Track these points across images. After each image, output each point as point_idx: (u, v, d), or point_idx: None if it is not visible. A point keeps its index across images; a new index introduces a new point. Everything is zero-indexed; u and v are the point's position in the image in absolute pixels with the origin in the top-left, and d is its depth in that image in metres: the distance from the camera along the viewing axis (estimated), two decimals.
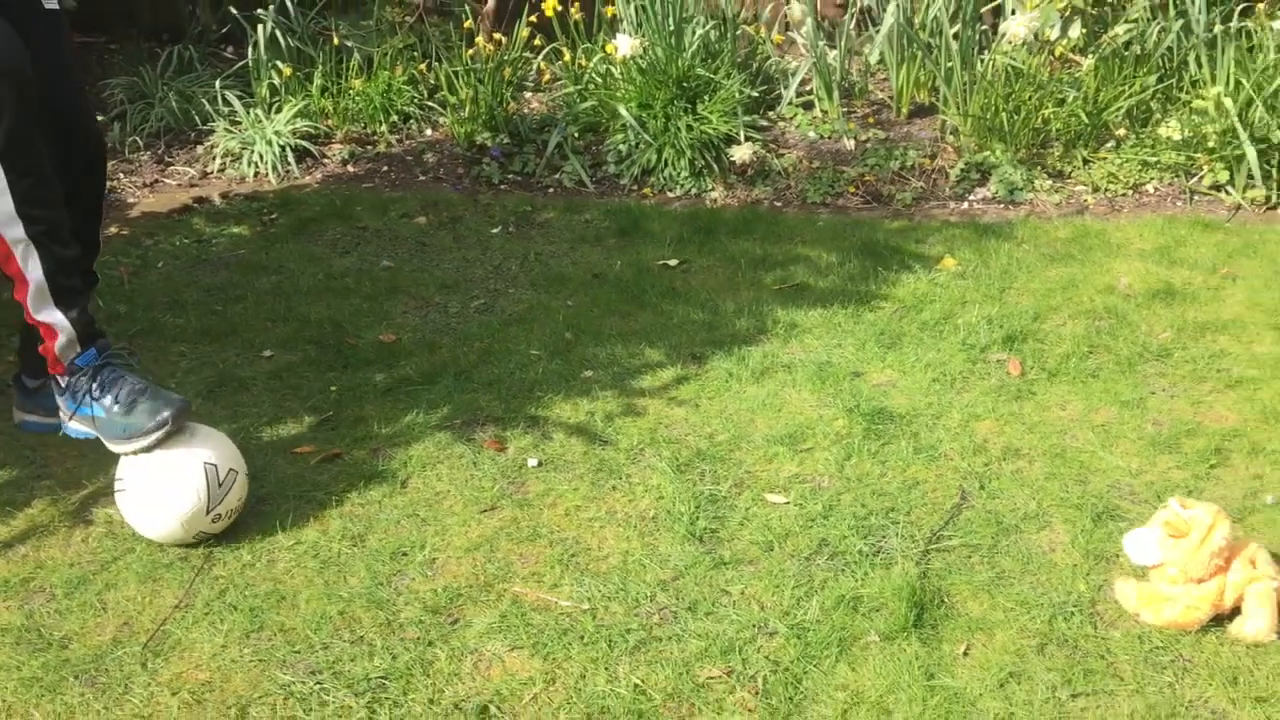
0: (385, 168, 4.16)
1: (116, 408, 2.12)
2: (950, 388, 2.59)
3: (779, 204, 3.75)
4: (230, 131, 4.21)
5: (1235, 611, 1.85)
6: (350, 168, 4.17)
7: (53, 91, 2.12)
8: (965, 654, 1.82)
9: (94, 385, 2.13)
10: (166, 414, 2.09)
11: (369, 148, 4.27)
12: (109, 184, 4.04)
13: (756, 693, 1.75)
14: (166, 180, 4.10)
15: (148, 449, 2.09)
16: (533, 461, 2.35)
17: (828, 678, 1.77)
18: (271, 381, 2.68)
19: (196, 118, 4.34)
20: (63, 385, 2.18)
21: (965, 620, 1.89)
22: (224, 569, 2.05)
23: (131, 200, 3.92)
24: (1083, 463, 2.30)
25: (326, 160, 4.21)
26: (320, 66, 4.35)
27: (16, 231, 2.01)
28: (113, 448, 2.15)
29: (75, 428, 2.22)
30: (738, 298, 3.06)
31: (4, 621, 1.92)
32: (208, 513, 2.06)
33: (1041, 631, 1.86)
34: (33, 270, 2.04)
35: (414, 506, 2.21)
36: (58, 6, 2.34)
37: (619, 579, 2.00)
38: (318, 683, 1.79)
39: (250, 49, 4.41)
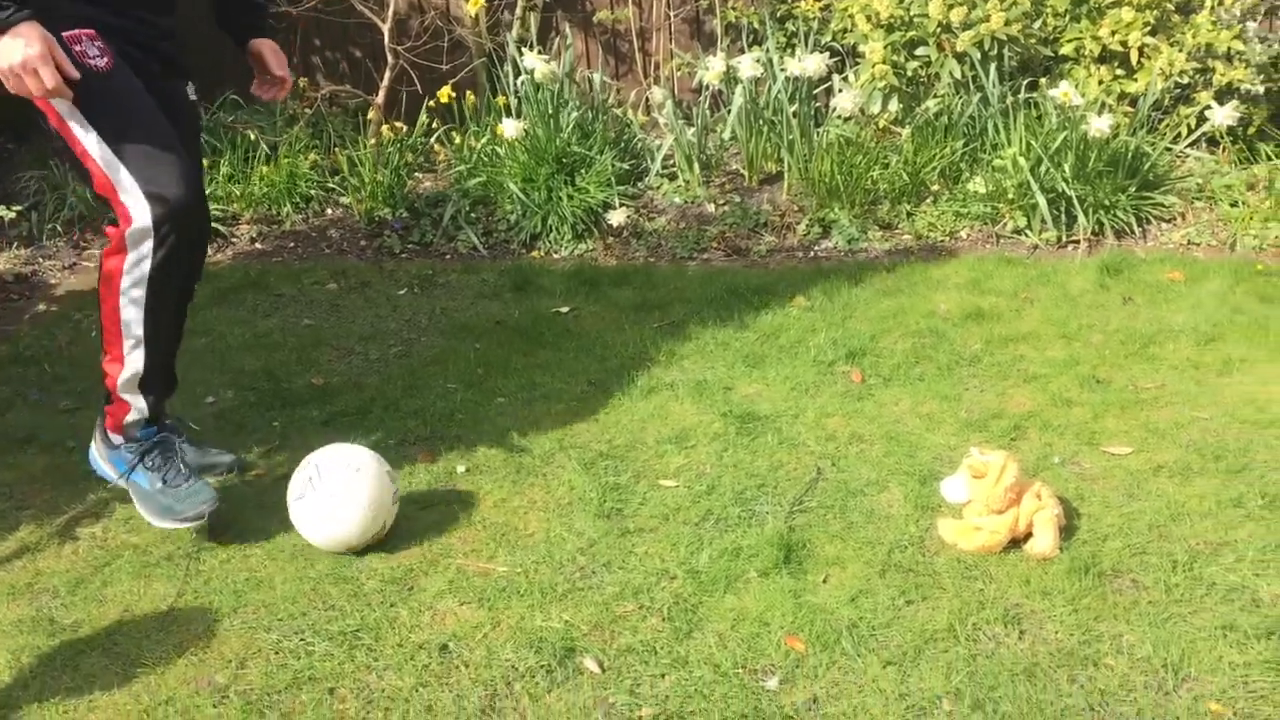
0: (292, 244, 4.55)
1: (161, 486, 2.44)
2: (805, 394, 3.11)
3: (653, 259, 4.27)
4: None
5: (1028, 535, 2.38)
6: (258, 245, 4.54)
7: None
8: (825, 581, 2.30)
9: (145, 459, 2.46)
10: (204, 508, 2.42)
11: (275, 226, 4.65)
12: (31, 267, 4.34)
13: (663, 618, 2.19)
14: (85, 263, 4.40)
15: (176, 531, 2.43)
16: (461, 468, 2.76)
17: (718, 604, 2.23)
18: (218, 422, 3.03)
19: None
20: (114, 444, 2.49)
21: (823, 558, 2.37)
22: (205, 565, 2.40)
23: (54, 281, 4.21)
24: (912, 442, 2.83)
25: (235, 239, 4.57)
26: (226, 155, 4.74)
27: (138, 330, 2.33)
28: (150, 519, 2.47)
29: (105, 470, 2.52)
30: (623, 335, 3.54)
31: (17, 615, 2.23)
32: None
33: (883, 561, 2.35)
34: (134, 361, 2.37)
35: None
36: (195, 98, 2.61)
37: (545, 549, 2.43)
38: (301, 639, 2.16)
39: None
